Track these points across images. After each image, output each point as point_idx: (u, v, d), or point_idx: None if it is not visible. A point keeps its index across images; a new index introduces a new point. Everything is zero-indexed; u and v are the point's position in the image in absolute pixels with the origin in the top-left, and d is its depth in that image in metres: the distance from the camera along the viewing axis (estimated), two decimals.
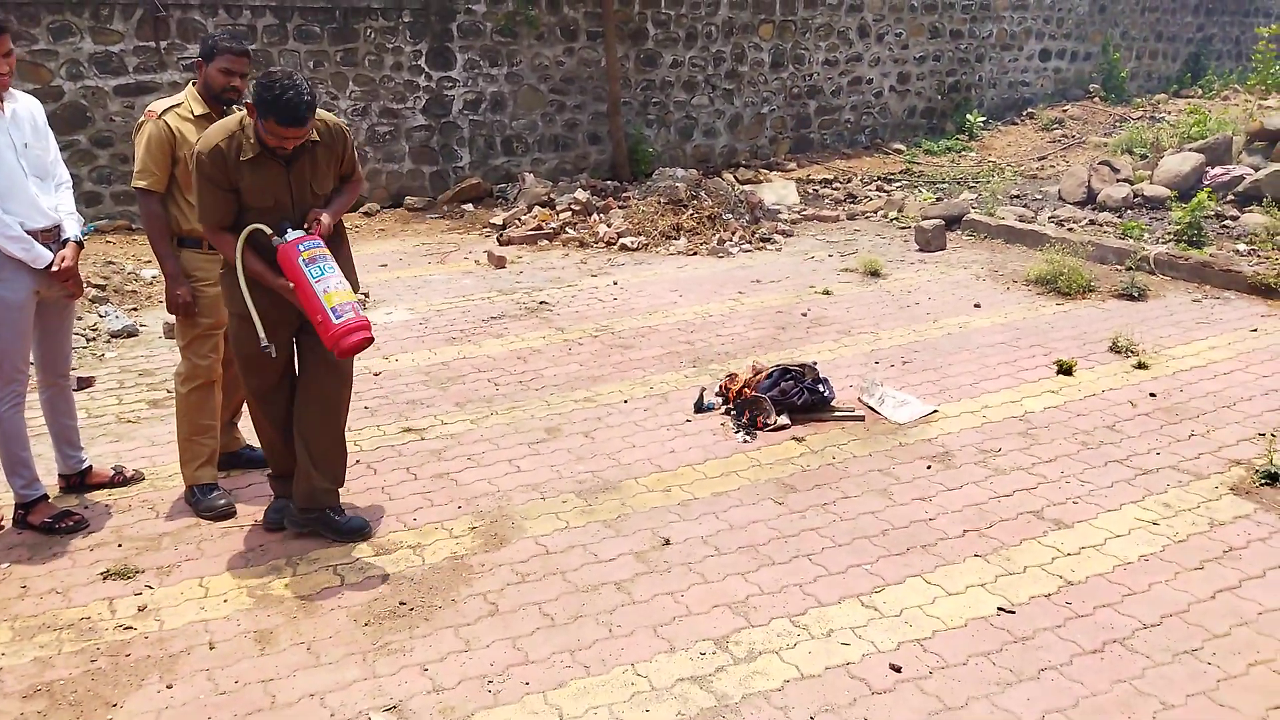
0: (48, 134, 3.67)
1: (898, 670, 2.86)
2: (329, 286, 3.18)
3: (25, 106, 3.58)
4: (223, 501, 3.79)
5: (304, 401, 3.51)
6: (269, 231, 3.25)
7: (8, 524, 3.67)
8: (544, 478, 4.11)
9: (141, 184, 3.63)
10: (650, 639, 3.01)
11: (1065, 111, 13.93)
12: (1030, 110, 14.04)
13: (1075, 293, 6.60)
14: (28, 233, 3.45)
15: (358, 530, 3.60)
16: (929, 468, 4.16)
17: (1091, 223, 8.55)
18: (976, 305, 6.49)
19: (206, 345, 3.80)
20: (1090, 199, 9.27)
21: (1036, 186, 10.51)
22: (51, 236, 3.58)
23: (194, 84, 3.75)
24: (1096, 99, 14.44)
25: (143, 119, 3.66)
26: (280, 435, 3.60)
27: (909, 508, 3.82)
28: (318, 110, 3.27)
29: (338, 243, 3.48)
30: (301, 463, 3.52)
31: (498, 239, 8.64)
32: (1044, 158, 12.18)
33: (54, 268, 3.52)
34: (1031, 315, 6.28)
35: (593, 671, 2.87)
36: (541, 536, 3.63)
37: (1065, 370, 5.21)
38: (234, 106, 3.76)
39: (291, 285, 3.21)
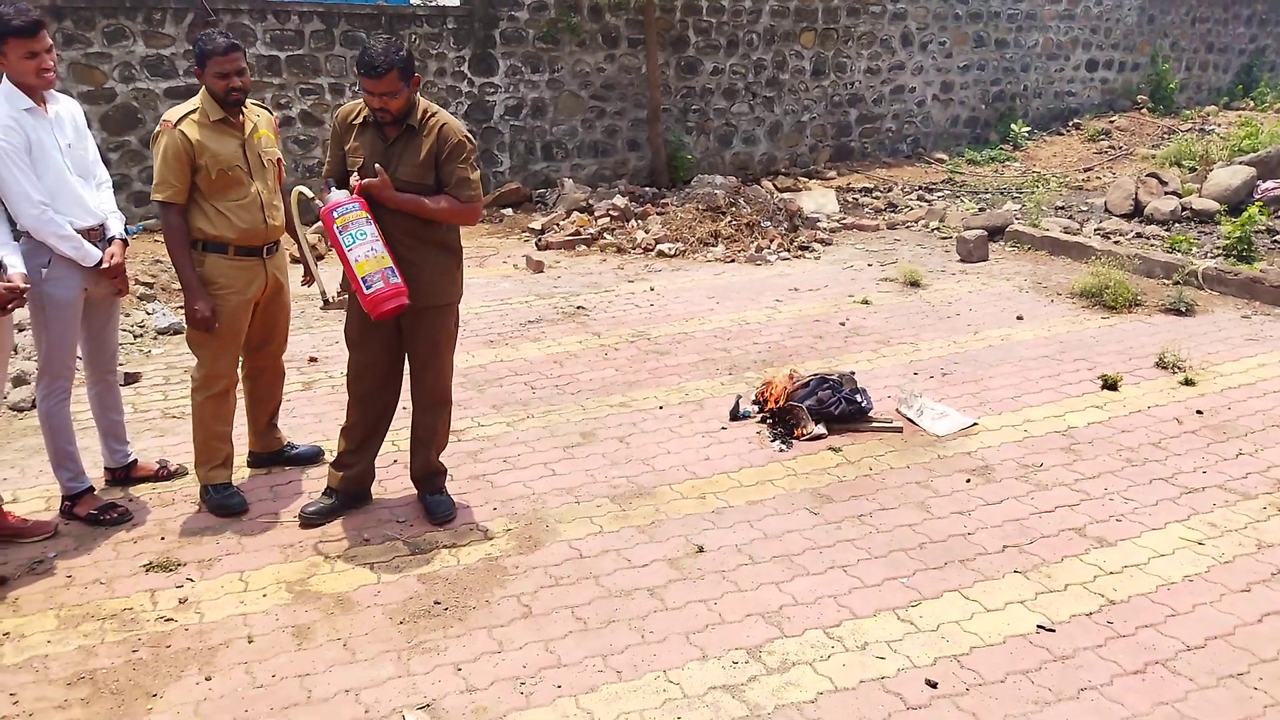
0: (87, 134, 3.72)
1: (934, 686, 2.82)
2: (359, 256, 3.26)
3: (66, 108, 3.64)
4: (236, 500, 3.84)
5: (413, 395, 3.77)
6: (310, 194, 3.41)
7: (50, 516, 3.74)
8: (578, 482, 4.12)
9: (160, 196, 3.59)
10: (683, 646, 3.00)
11: (1112, 122, 13.72)
12: (1076, 121, 13.85)
13: (1121, 307, 6.49)
14: (76, 231, 3.52)
15: (444, 518, 3.77)
16: (968, 481, 4.11)
17: (1138, 236, 8.40)
18: (1019, 317, 6.40)
19: (225, 354, 3.78)
20: (1137, 211, 9.12)
21: (1082, 198, 10.36)
22: (97, 235, 3.64)
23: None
24: (1144, 110, 14.20)
25: (159, 129, 3.59)
26: (361, 423, 3.74)
27: (947, 521, 3.77)
28: (451, 119, 3.48)
29: (423, 247, 3.52)
30: (420, 448, 3.81)
31: (536, 244, 8.68)
32: (1090, 169, 12.00)
33: (102, 265, 3.60)
34: (1076, 329, 6.18)
35: (625, 677, 2.87)
36: (575, 540, 3.64)
37: (1110, 385, 5.12)
38: (250, 102, 3.77)
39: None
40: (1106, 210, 9.42)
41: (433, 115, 3.48)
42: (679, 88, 11.08)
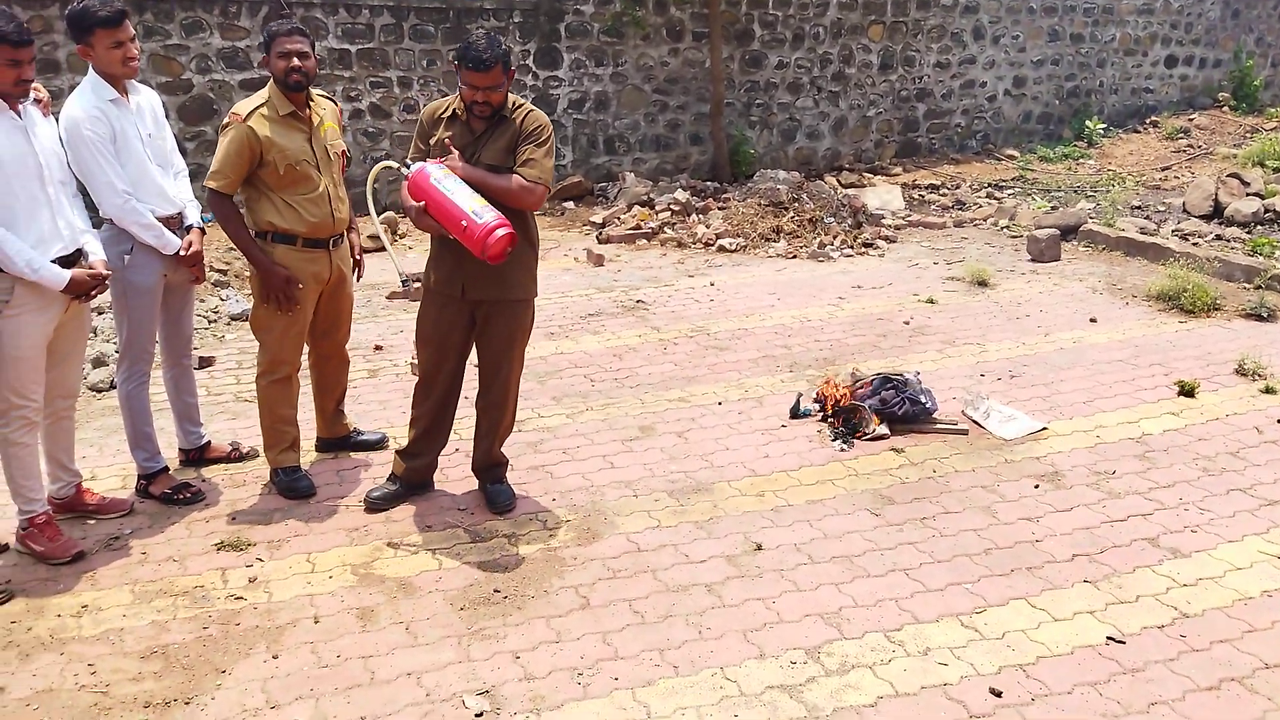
0: (165, 124, 3.82)
1: (998, 695, 2.76)
2: (463, 198, 3.26)
3: (146, 99, 3.74)
4: (304, 483, 3.91)
5: (480, 388, 3.79)
6: (395, 165, 3.46)
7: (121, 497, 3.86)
8: (637, 475, 4.13)
9: (213, 184, 3.63)
10: (740, 644, 2.99)
11: (1192, 120, 13.27)
12: (1154, 118, 13.43)
13: (1199, 311, 6.27)
14: (156, 220, 3.62)
15: (505, 507, 3.81)
16: (1037, 487, 4.01)
17: (1218, 238, 8.11)
18: (1092, 320, 6.23)
19: (288, 341, 3.85)
20: (1217, 213, 8.80)
21: (1159, 198, 10.04)
22: (176, 223, 3.75)
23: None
24: (1226, 108, 13.71)
25: (228, 120, 3.62)
26: (429, 416, 3.78)
27: (1014, 527, 3.69)
28: (536, 109, 3.51)
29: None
30: (485, 440, 3.85)
31: (597, 237, 8.71)
32: (1168, 168, 11.62)
33: (181, 253, 3.70)
34: (1151, 332, 5.99)
35: (681, 672, 2.86)
36: (633, 534, 3.64)
37: (1187, 392, 4.96)
38: (315, 93, 3.80)
39: (422, 204, 3.32)
40: (1185, 211, 9.11)
41: (520, 105, 3.52)
42: (743, 81, 11.01)
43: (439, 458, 3.96)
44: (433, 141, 3.52)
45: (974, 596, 3.24)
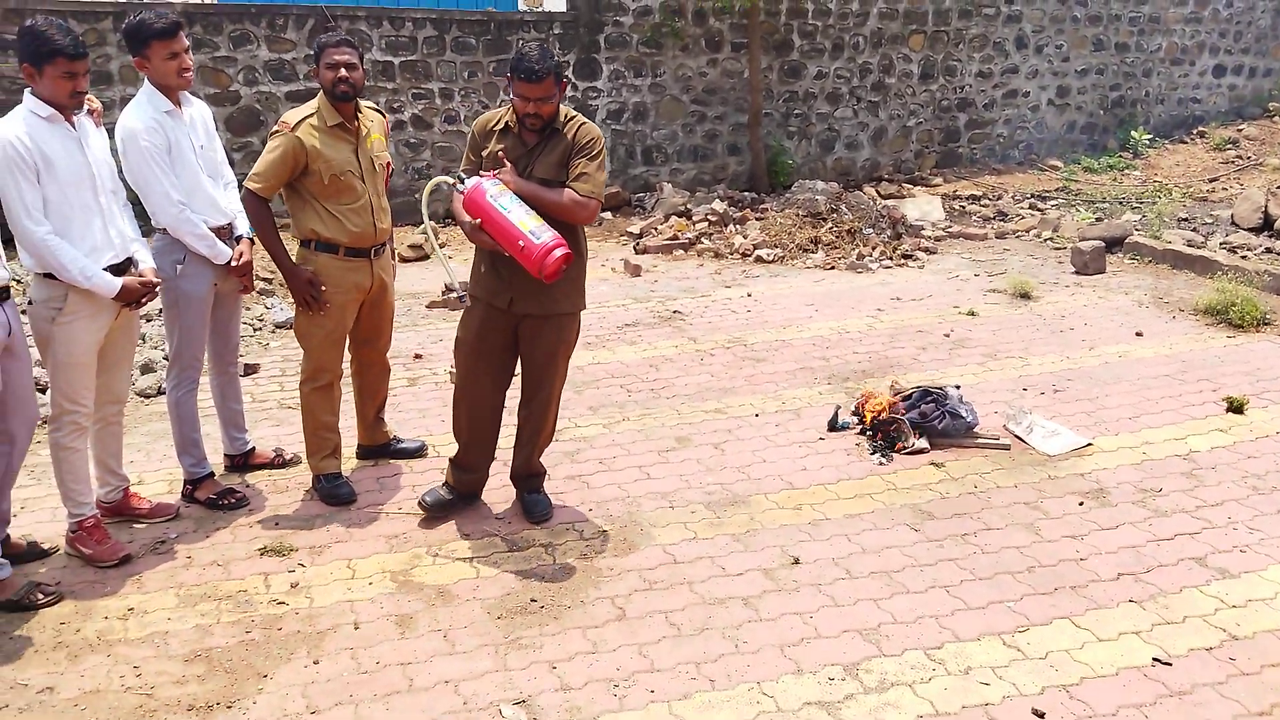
0: (216, 136, 3.90)
1: (1041, 716, 2.72)
2: (520, 216, 3.25)
3: (198, 111, 3.82)
4: (345, 490, 3.96)
5: (522, 399, 3.77)
6: (451, 181, 3.45)
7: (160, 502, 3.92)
8: (673, 486, 4.12)
9: (252, 186, 3.69)
10: (777, 658, 2.97)
11: (1240, 131, 13.00)
12: (1201, 129, 13.17)
13: (1248, 325, 6.14)
14: (209, 230, 3.70)
15: (542, 517, 3.83)
16: (1081, 504, 3.95)
17: (1268, 250, 7.94)
18: (1138, 333, 6.12)
19: (331, 349, 3.91)
20: (1267, 225, 8.61)
21: (1207, 210, 9.85)
22: (226, 233, 3.83)
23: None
24: (1276, 118, 13.40)
25: (277, 128, 3.68)
26: (474, 430, 3.77)
27: (1058, 545, 3.63)
28: (588, 121, 3.52)
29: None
30: (524, 451, 3.84)
31: (634, 247, 8.73)
32: (1216, 179, 11.40)
33: (232, 263, 3.77)
34: (1199, 347, 5.87)
35: (718, 686, 2.85)
36: (670, 545, 3.64)
37: (1236, 408, 4.85)
38: (364, 105, 3.85)
39: (478, 220, 3.31)
40: (1233, 223, 8.93)
41: (572, 118, 3.51)
42: (781, 92, 10.99)
43: (488, 472, 3.94)
44: (485, 154, 3.52)
45: (1016, 615, 3.19)
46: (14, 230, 3.14)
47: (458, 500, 3.86)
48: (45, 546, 3.53)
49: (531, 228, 3.24)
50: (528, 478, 3.89)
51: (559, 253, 3.24)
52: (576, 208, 3.41)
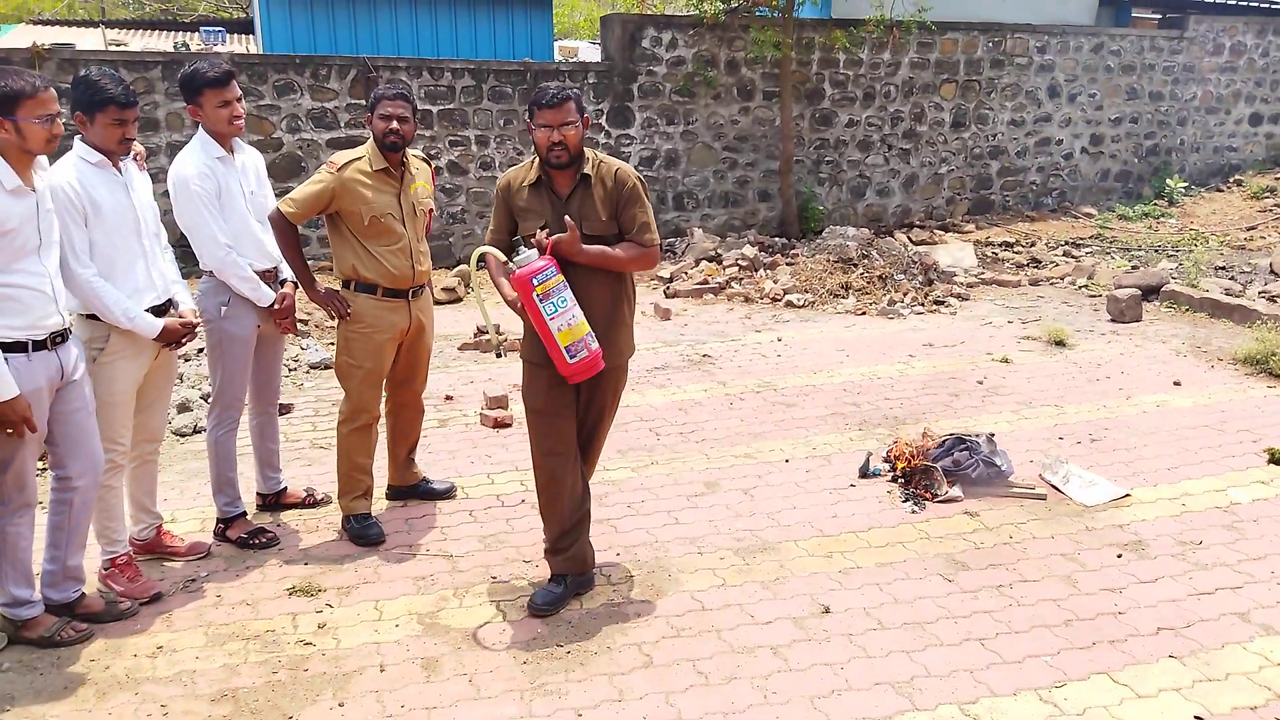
0: (267, 183, 4.01)
1: None
2: (561, 325, 3.15)
3: (251, 158, 3.94)
4: (374, 530, 3.97)
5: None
6: (503, 258, 3.33)
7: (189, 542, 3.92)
8: (701, 532, 4.09)
9: (285, 208, 3.74)
10: (807, 710, 2.91)
11: (1278, 179, 12.87)
12: (1238, 177, 13.07)
13: None
14: (254, 273, 3.78)
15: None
16: (1119, 556, 3.86)
17: None
18: (1176, 383, 6.02)
19: (369, 389, 3.96)
20: None
21: (1245, 258, 9.73)
22: (271, 277, 3.91)
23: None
24: None
25: (325, 166, 3.83)
26: (563, 494, 3.47)
27: (1096, 598, 3.54)
28: (622, 163, 3.41)
29: (616, 304, 3.41)
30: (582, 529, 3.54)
31: (664, 291, 8.77)
32: (1253, 228, 11.27)
33: (275, 306, 3.84)
34: (1239, 397, 5.76)
35: None
36: (698, 592, 3.60)
37: (1277, 459, 4.74)
38: (411, 154, 3.96)
39: (518, 301, 3.24)
40: (1272, 272, 8.80)
41: (602, 161, 3.39)
42: (812, 139, 11.07)
43: (589, 542, 3.61)
44: (517, 208, 3.39)
45: (1053, 670, 3.11)
46: (62, 272, 3.23)
47: (569, 591, 3.51)
48: (124, 607, 3.42)
49: (568, 344, 3.15)
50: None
51: (589, 374, 3.24)
52: (644, 260, 3.37)
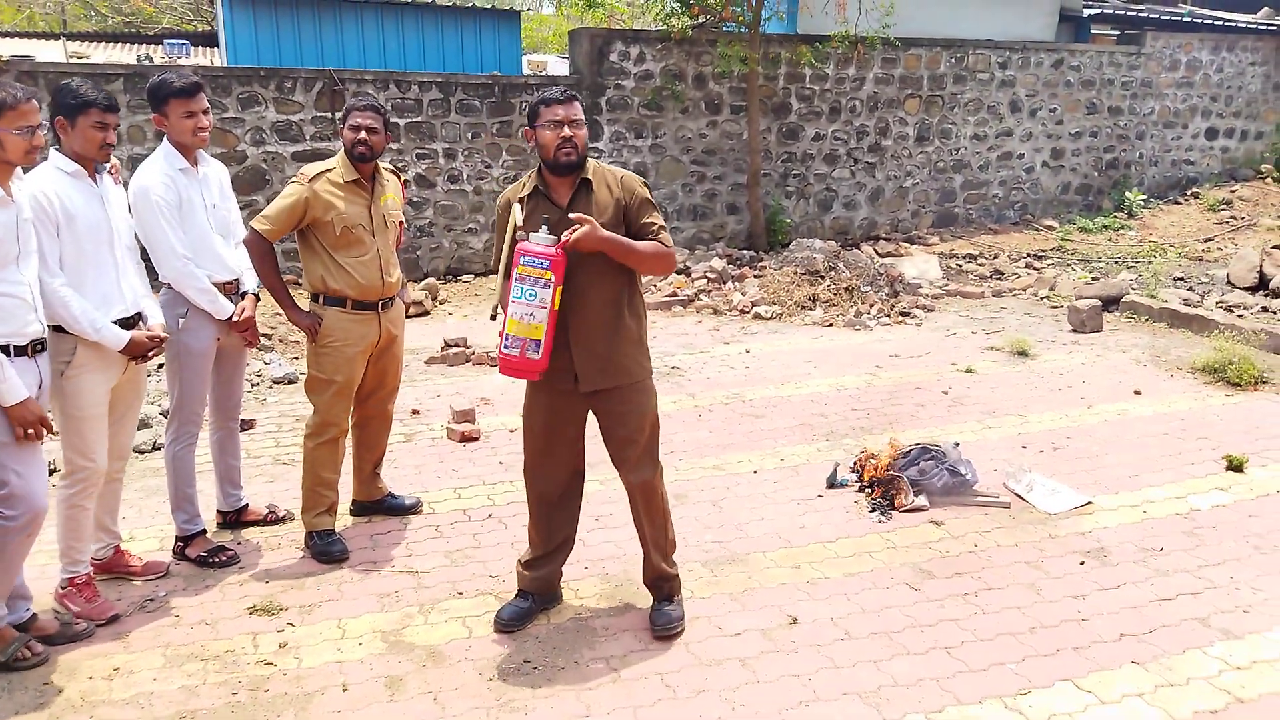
0: (231, 196, 3.99)
1: None
2: (516, 313, 3.03)
3: (215, 170, 3.91)
4: (338, 548, 3.92)
5: (626, 489, 3.42)
6: (519, 222, 3.14)
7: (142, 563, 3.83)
8: None
9: (259, 226, 3.77)
10: None
11: (1234, 192, 13.16)
12: (1195, 190, 13.34)
13: (1247, 384, 6.13)
14: (213, 285, 3.74)
15: (671, 631, 3.37)
16: (1082, 564, 3.90)
17: (1264, 310, 7.98)
18: (1137, 392, 6.11)
19: (339, 403, 3.93)
20: (1262, 284, 8.67)
21: (1202, 269, 9.93)
22: (232, 289, 3.87)
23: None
24: (1269, 180, 13.58)
25: (296, 178, 3.83)
26: (548, 523, 3.44)
27: (1059, 605, 3.57)
28: (615, 169, 3.29)
29: (620, 316, 3.24)
30: (644, 549, 3.46)
31: None
32: (1210, 239, 11.51)
33: (234, 318, 3.80)
34: (1198, 406, 5.86)
35: None
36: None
37: (1235, 467, 4.82)
38: (382, 166, 3.95)
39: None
40: (1229, 283, 8.99)
41: (601, 168, 3.27)
42: (780, 153, 11.16)
43: (563, 567, 3.58)
44: (518, 224, 3.21)
45: (1018, 677, 3.13)
46: None
47: (536, 607, 3.48)
48: (79, 628, 3.34)
49: (510, 332, 3.05)
50: (654, 584, 3.48)
51: (513, 375, 3.12)
52: (666, 260, 3.23)
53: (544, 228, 3.06)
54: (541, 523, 3.46)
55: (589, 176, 3.21)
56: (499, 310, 3.23)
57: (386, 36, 11.17)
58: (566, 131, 3.11)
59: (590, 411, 3.35)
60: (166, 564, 3.82)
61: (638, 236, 3.21)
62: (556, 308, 3.06)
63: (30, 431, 2.99)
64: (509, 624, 3.40)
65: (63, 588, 3.45)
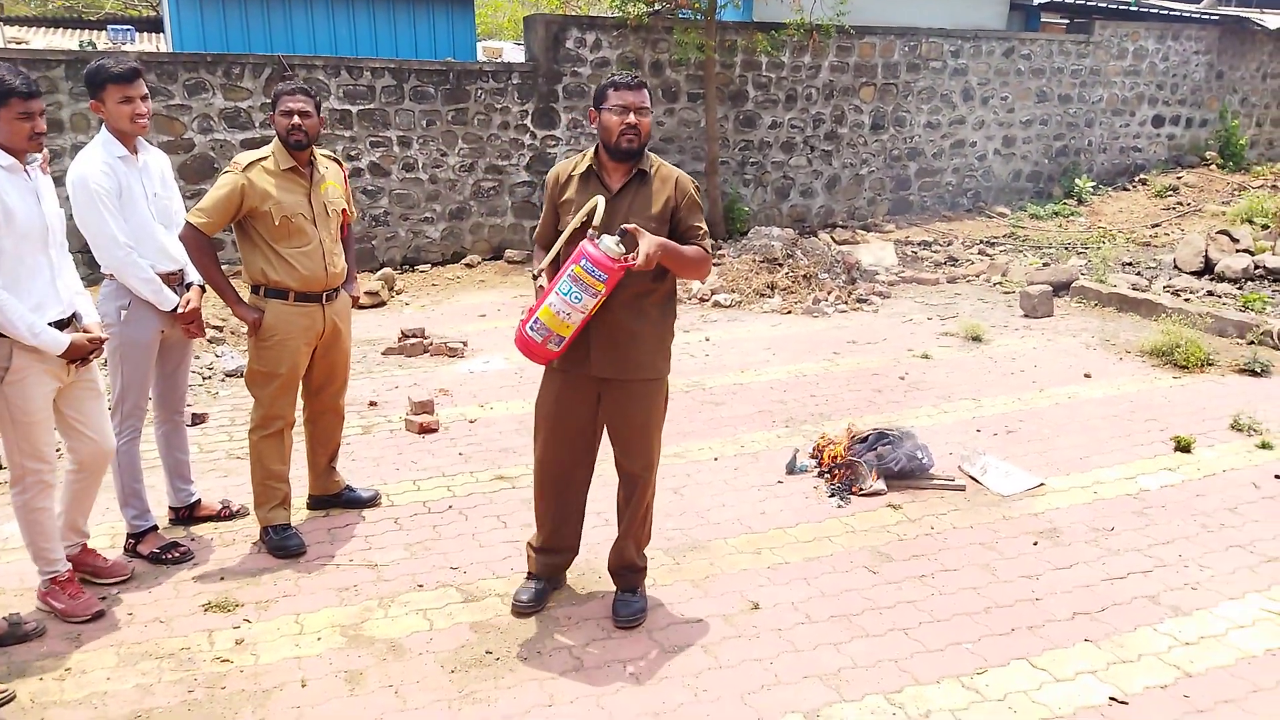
0: (173, 185, 3.88)
1: None
2: (554, 306, 2.98)
3: (155, 159, 3.80)
4: (294, 542, 3.86)
5: (618, 474, 3.41)
6: (596, 221, 3.05)
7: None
8: None
9: (194, 220, 3.62)
10: (738, 707, 2.93)
11: (1180, 178, 13.46)
12: (1143, 176, 13.62)
13: (1193, 366, 6.29)
14: (156, 275, 3.64)
15: (635, 622, 3.37)
16: (1035, 544, 3.98)
17: (1209, 294, 8.18)
18: (1087, 375, 6.24)
19: (283, 396, 3.85)
20: (1208, 269, 8.89)
21: (1150, 254, 10.15)
22: (176, 280, 3.77)
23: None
24: (1213, 166, 13.92)
25: (228, 168, 3.70)
26: (557, 511, 3.46)
27: (1014, 585, 3.64)
28: (673, 168, 3.23)
29: (647, 314, 3.20)
30: (619, 536, 3.45)
31: None
32: (1158, 225, 11.77)
33: (179, 310, 3.71)
34: (1146, 388, 6.00)
35: None
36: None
37: (1183, 447, 4.94)
38: (320, 153, 3.85)
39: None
40: (1176, 267, 9.20)
41: (660, 165, 3.23)
42: (737, 141, 11.18)
43: (573, 558, 3.61)
44: (562, 201, 3.22)
45: (975, 657, 3.19)
46: None
47: (548, 589, 3.52)
48: (29, 627, 3.26)
49: (541, 319, 3.00)
50: (620, 572, 3.46)
51: (529, 357, 3.11)
52: (706, 265, 3.21)
53: (617, 236, 3.00)
54: (547, 510, 3.47)
55: (647, 169, 3.18)
56: (541, 275, 3.20)
57: (337, 22, 10.97)
58: (632, 119, 3.07)
59: (599, 399, 3.30)
60: (131, 566, 3.70)
61: (683, 238, 3.19)
62: (592, 315, 3.05)
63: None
64: (528, 606, 3.43)
65: (45, 587, 3.37)
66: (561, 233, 3.18)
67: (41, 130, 3.16)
